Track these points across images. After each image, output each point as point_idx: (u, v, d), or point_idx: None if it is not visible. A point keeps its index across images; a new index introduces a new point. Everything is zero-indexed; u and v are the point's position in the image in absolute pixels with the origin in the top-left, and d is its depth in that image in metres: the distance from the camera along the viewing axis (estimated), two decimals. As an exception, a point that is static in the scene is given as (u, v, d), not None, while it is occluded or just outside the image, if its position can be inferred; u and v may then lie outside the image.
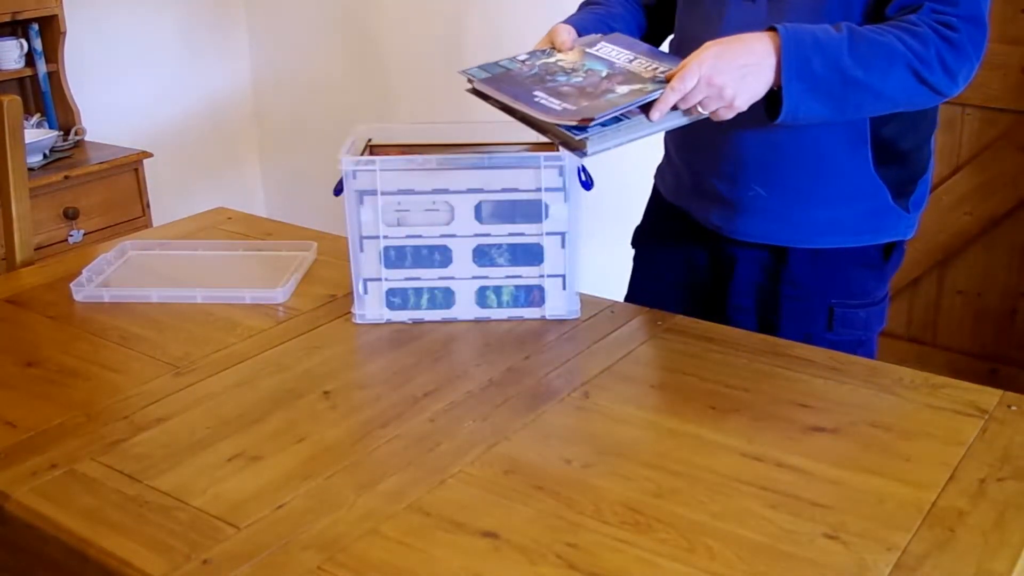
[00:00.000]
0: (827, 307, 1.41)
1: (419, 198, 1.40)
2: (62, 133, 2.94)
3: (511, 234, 1.41)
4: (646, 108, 1.21)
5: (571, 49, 1.35)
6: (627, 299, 1.59)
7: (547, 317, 1.44)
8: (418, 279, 1.43)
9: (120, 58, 3.23)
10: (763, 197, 1.38)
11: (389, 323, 1.45)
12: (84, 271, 1.60)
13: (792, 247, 1.40)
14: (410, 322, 1.45)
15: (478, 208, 1.40)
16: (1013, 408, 1.16)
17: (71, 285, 1.57)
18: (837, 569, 0.91)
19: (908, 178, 1.39)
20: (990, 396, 1.19)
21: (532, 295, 1.43)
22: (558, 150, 1.42)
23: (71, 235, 2.76)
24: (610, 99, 1.22)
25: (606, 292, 1.59)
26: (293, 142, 3.63)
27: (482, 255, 1.42)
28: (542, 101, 1.24)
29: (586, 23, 1.43)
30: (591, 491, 1.03)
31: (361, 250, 1.43)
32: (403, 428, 1.17)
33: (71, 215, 2.76)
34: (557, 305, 1.43)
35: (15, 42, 2.84)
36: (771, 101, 1.22)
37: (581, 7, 1.52)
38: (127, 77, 3.26)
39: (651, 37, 1.49)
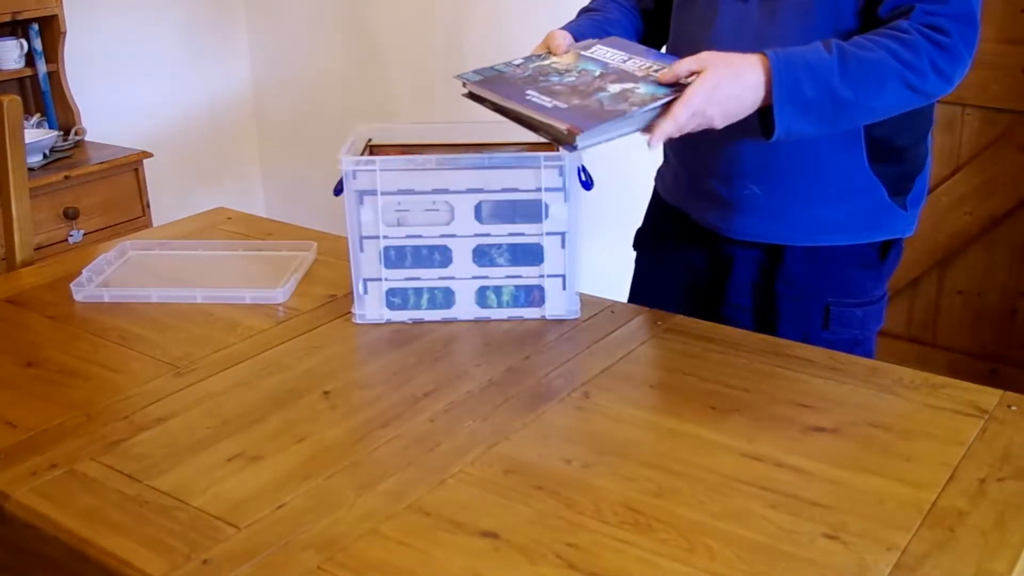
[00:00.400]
0: (824, 306, 1.41)
1: (419, 198, 1.40)
2: (62, 133, 2.94)
3: (511, 234, 1.41)
4: (635, 103, 1.22)
5: (566, 52, 1.36)
6: (629, 302, 1.59)
7: (547, 317, 1.44)
8: (418, 279, 1.43)
9: (120, 58, 3.23)
10: (759, 196, 1.38)
11: (389, 323, 1.45)
12: (84, 271, 1.60)
13: (789, 246, 1.40)
14: (410, 322, 1.45)
15: (478, 208, 1.40)
16: (1013, 408, 1.16)
17: (71, 285, 1.57)
18: (837, 569, 0.91)
19: (905, 175, 1.39)
20: (990, 396, 1.19)
21: (532, 295, 1.43)
22: (557, 150, 1.42)
23: (71, 235, 2.76)
24: (601, 98, 1.23)
25: (606, 292, 1.59)
26: (293, 142, 3.63)
27: (482, 255, 1.42)
28: (534, 99, 1.24)
29: (583, 29, 1.43)
30: (591, 491, 1.03)
31: (361, 250, 1.43)
32: (403, 428, 1.17)
33: (71, 215, 2.76)
34: (557, 305, 1.43)
35: (15, 42, 2.84)
36: (764, 118, 1.23)
37: (579, 14, 1.53)
38: (127, 77, 3.26)
39: (648, 41, 1.49)
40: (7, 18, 2.77)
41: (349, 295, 1.49)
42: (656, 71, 1.25)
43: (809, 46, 1.22)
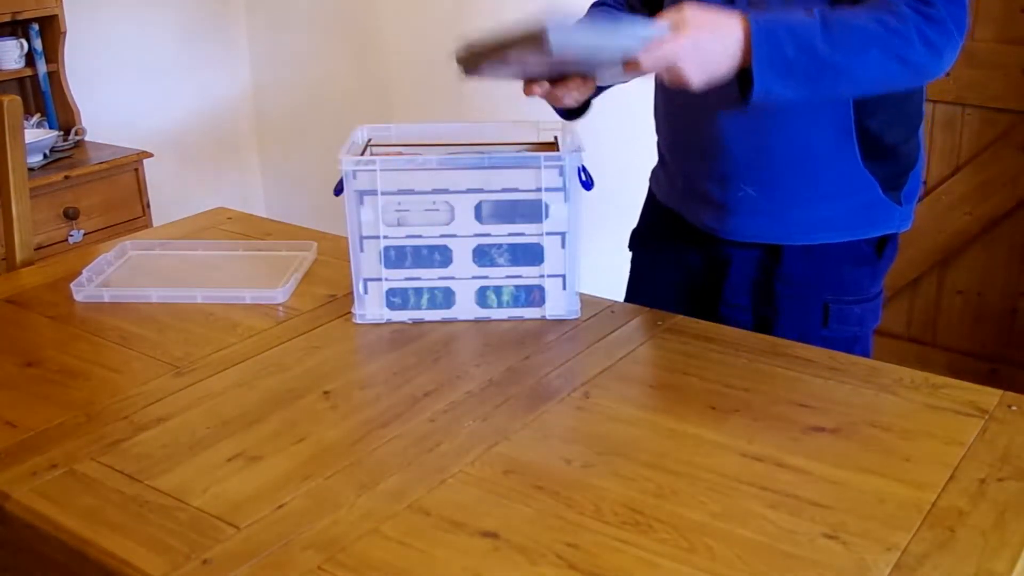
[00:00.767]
0: (822, 303, 1.41)
1: (419, 198, 1.40)
2: (62, 133, 2.94)
3: (511, 234, 1.41)
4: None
5: None
6: (625, 302, 1.59)
7: (547, 317, 1.44)
8: (418, 279, 1.43)
9: (120, 58, 3.23)
10: (754, 197, 1.38)
11: (389, 323, 1.45)
12: (84, 271, 1.60)
13: (787, 245, 1.40)
14: (410, 322, 1.45)
15: (478, 208, 1.40)
16: (1013, 408, 1.16)
17: (71, 285, 1.57)
18: (837, 569, 0.91)
19: (898, 171, 1.39)
20: (990, 396, 1.19)
21: (532, 295, 1.43)
22: (558, 150, 1.42)
23: (71, 235, 2.76)
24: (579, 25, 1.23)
25: (606, 292, 1.59)
26: (293, 142, 3.63)
27: (482, 255, 1.42)
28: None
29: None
30: (591, 491, 1.03)
31: (361, 250, 1.43)
32: (403, 428, 1.17)
33: (71, 215, 2.76)
34: (557, 305, 1.43)
35: (15, 42, 2.84)
36: (742, 82, 1.19)
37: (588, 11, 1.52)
38: (127, 77, 3.26)
39: None
40: (7, 18, 2.77)
41: (349, 295, 1.49)
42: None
43: (790, 11, 1.19)
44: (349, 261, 1.44)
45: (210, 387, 1.28)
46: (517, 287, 1.43)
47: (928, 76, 1.25)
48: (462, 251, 1.42)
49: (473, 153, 1.48)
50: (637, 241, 1.63)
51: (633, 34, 1.17)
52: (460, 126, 1.59)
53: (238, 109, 3.64)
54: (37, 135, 2.77)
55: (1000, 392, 1.19)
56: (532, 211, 1.39)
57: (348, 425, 1.18)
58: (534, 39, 1.15)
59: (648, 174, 1.65)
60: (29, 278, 1.67)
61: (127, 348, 1.40)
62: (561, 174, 1.37)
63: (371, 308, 1.45)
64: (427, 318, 1.45)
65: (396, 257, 1.42)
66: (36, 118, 2.93)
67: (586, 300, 1.47)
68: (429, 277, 1.43)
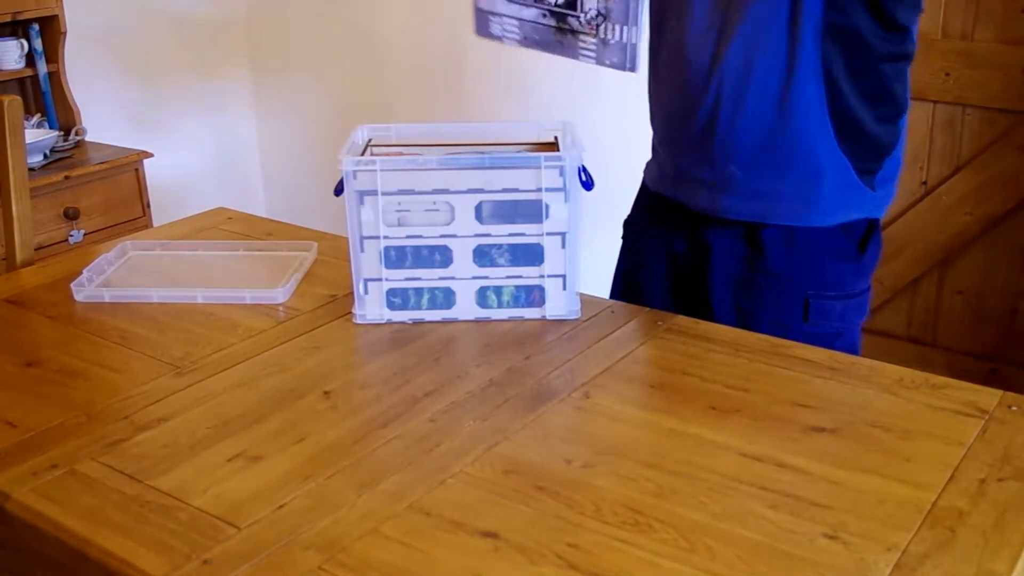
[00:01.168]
0: (803, 298, 1.44)
1: (419, 198, 1.40)
2: (62, 133, 2.94)
3: (511, 234, 1.41)
4: None
5: None
6: (612, 286, 1.65)
7: (547, 317, 1.44)
8: (418, 279, 1.43)
9: (120, 58, 3.23)
10: (739, 177, 1.42)
11: (389, 323, 1.45)
12: (84, 271, 1.60)
13: (768, 229, 1.44)
14: (410, 322, 1.45)
15: (478, 208, 1.40)
16: (1013, 408, 1.16)
17: (71, 285, 1.57)
18: (837, 569, 0.91)
19: (871, 155, 1.42)
20: (990, 396, 1.19)
21: (532, 295, 1.43)
22: (558, 150, 1.42)
23: (71, 235, 2.77)
24: None
25: (606, 292, 1.59)
26: (293, 142, 3.63)
27: (482, 255, 1.42)
28: None
29: None
30: (591, 491, 1.04)
31: (361, 250, 1.43)
32: (403, 428, 1.17)
33: (71, 215, 2.76)
34: (557, 305, 1.43)
35: (15, 42, 2.84)
36: None
37: None
38: (127, 77, 3.26)
39: None
40: (7, 18, 2.77)
41: (349, 295, 1.49)
42: None
43: None
44: (349, 261, 1.44)
45: (210, 387, 1.28)
46: (517, 287, 1.43)
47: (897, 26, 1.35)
48: (462, 251, 1.42)
49: (473, 153, 1.48)
50: (627, 227, 1.69)
51: None
52: (460, 126, 1.59)
53: (238, 108, 3.64)
54: (37, 135, 2.77)
55: (1000, 392, 1.19)
56: (532, 211, 1.39)
57: (348, 425, 1.18)
58: None
59: (647, 174, 1.66)
60: (29, 278, 1.67)
61: (127, 348, 1.40)
62: (561, 174, 1.37)
63: (371, 308, 1.45)
64: (427, 318, 1.45)
65: (396, 257, 1.42)
66: (36, 118, 2.93)
67: (586, 300, 1.47)
68: (429, 277, 1.43)
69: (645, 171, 1.65)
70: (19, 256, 1.86)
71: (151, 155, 2.95)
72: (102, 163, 2.83)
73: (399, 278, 1.43)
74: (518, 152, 1.52)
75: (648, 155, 1.64)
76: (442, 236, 1.41)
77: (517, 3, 1.37)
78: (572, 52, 1.37)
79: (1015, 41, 2.52)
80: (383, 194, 1.39)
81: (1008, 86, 2.54)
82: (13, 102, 1.82)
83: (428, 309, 1.44)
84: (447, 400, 1.23)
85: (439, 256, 1.42)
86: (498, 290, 1.43)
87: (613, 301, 1.50)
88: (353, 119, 1.71)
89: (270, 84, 3.62)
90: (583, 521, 0.99)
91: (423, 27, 3.18)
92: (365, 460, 1.11)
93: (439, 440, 1.14)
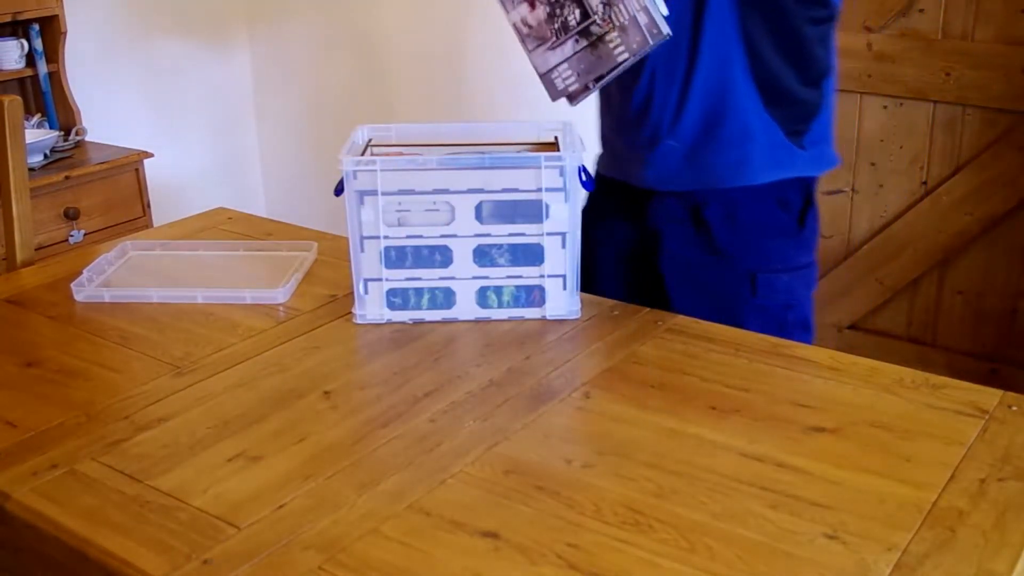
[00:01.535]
0: (750, 274, 1.51)
1: (419, 198, 1.40)
2: (63, 133, 2.94)
3: (512, 234, 1.41)
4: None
5: None
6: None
7: (548, 317, 1.44)
8: (419, 279, 1.43)
9: (120, 58, 3.23)
10: (677, 148, 1.49)
11: (389, 323, 1.45)
12: (85, 271, 1.60)
13: (710, 205, 1.50)
14: (410, 322, 1.45)
15: (478, 208, 1.40)
16: (1013, 408, 1.16)
17: (72, 285, 1.57)
18: (837, 569, 0.91)
19: (797, 117, 1.49)
20: (990, 396, 1.19)
21: (533, 295, 1.43)
22: (558, 150, 1.42)
23: (72, 235, 2.77)
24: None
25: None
26: (293, 142, 3.63)
27: (483, 255, 1.42)
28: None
29: None
30: (591, 491, 1.04)
31: (362, 250, 1.43)
32: (404, 428, 1.17)
33: (72, 215, 2.76)
34: (558, 305, 1.43)
35: (16, 42, 2.84)
36: None
37: None
38: (127, 77, 3.26)
39: None
40: (8, 18, 2.77)
41: (350, 295, 1.49)
42: None
43: None
44: (349, 261, 1.44)
45: (210, 387, 1.28)
46: (518, 287, 1.43)
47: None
48: (462, 251, 1.42)
49: (473, 153, 1.48)
50: (583, 217, 1.70)
51: None
52: (460, 126, 1.59)
53: (238, 109, 3.64)
54: (37, 135, 2.77)
55: (1000, 392, 1.19)
56: (532, 211, 1.39)
57: (348, 425, 1.18)
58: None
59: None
60: (29, 278, 1.67)
61: (127, 348, 1.40)
62: (561, 174, 1.37)
63: (371, 308, 1.45)
64: (427, 318, 1.45)
65: (396, 257, 1.42)
66: (36, 118, 2.93)
67: (587, 300, 1.47)
68: (429, 277, 1.43)
69: (597, 162, 1.70)
70: (19, 256, 1.86)
71: (151, 155, 2.95)
72: (102, 163, 2.83)
73: (399, 278, 1.43)
74: (518, 152, 1.52)
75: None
76: (442, 236, 1.41)
77: (552, 48, 1.35)
78: (611, 60, 1.33)
79: (1015, 41, 2.52)
80: (383, 194, 1.39)
81: (1008, 86, 2.54)
82: (13, 102, 1.82)
83: (428, 309, 1.44)
84: (447, 400, 1.23)
85: (439, 256, 1.42)
86: (498, 290, 1.43)
87: (614, 301, 1.50)
88: (353, 119, 1.71)
89: (270, 84, 3.62)
90: (583, 521, 0.99)
91: (423, 27, 3.18)
92: (365, 460, 1.11)
93: (439, 440, 1.14)
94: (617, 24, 1.29)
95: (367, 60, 3.34)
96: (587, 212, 1.69)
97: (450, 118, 3.10)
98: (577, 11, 1.31)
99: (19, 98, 1.85)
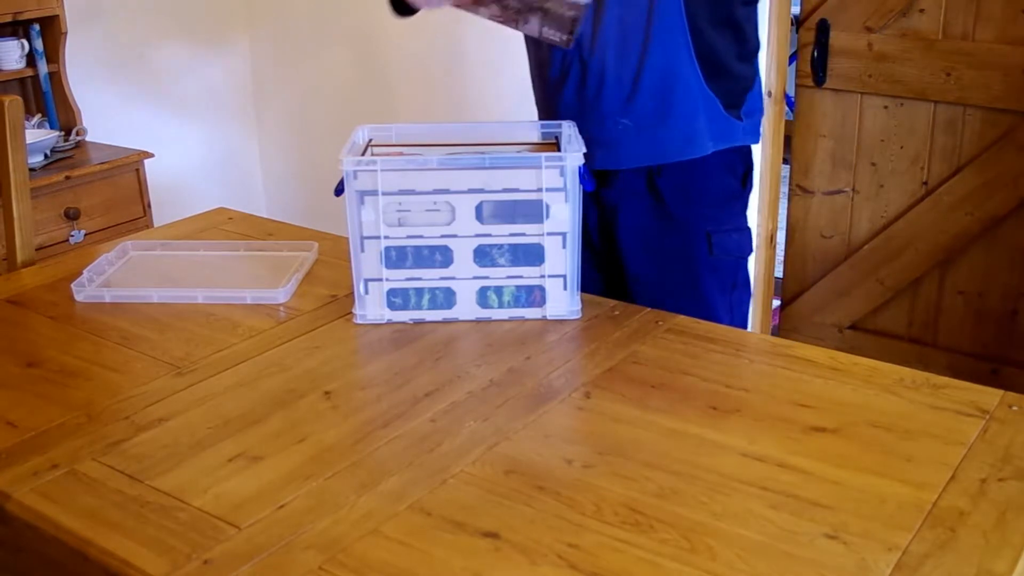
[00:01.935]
0: (706, 235, 1.61)
1: (420, 198, 1.40)
2: (63, 133, 2.94)
3: (512, 234, 1.41)
4: None
5: None
6: None
7: (548, 317, 1.44)
8: (419, 279, 1.43)
9: (120, 58, 3.23)
10: (629, 127, 1.56)
11: (390, 323, 1.45)
12: (85, 271, 1.60)
13: (662, 174, 1.58)
14: (411, 322, 1.45)
15: (479, 208, 1.40)
16: (1014, 408, 1.16)
17: (72, 285, 1.57)
18: (838, 569, 0.91)
19: (735, 90, 1.59)
20: (991, 396, 1.19)
21: (533, 295, 1.43)
22: (558, 150, 1.42)
23: (72, 235, 2.77)
24: None
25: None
26: (293, 142, 3.63)
27: (483, 255, 1.42)
28: None
29: None
30: (592, 491, 1.04)
31: (362, 250, 1.43)
32: (404, 428, 1.17)
33: (72, 215, 2.76)
34: (558, 305, 1.43)
35: (16, 42, 2.84)
36: None
37: None
38: (127, 77, 3.26)
39: None
40: (8, 18, 2.77)
41: (350, 295, 1.49)
42: None
43: None
44: (350, 261, 1.44)
45: (211, 387, 1.28)
46: (518, 287, 1.43)
47: None
48: (463, 251, 1.42)
49: (474, 153, 1.48)
50: None
51: None
52: (460, 126, 1.59)
53: (239, 109, 3.64)
54: (38, 135, 2.76)
55: (1001, 392, 1.19)
56: (533, 211, 1.39)
57: (349, 425, 1.18)
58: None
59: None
60: (30, 278, 1.67)
61: (128, 348, 1.40)
62: (562, 174, 1.37)
63: (372, 308, 1.45)
64: (428, 318, 1.45)
65: (397, 257, 1.42)
66: (37, 118, 2.93)
67: (587, 300, 1.47)
68: (430, 277, 1.43)
69: None
70: (20, 256, 1.87)
71: (152, 155, 2.95)
72: (103, 163, 2.83)
73: (400, 278, 1.43)
74: (518, 152, 1.52)
75: None
76: (442, 236, 1.41)
77: (527, 22, 1.38)
78: (570, 11, 1.38)
79: (1016, 41, 2.52)
80: (384, 194, 1.39)
81: (1009, 86, 2.54)
82: (14, 102, 1.82)
83: (429, 309, 1.44)
84: (448, 400, 1.23)
85: (439, 256, 1.42)
86: (499, 290, 1.43)
87: (615, 301, 1.50)
88: (353, 119, 1.71)
89: (271, 84, 3.62)
90: (584, 521, 0.99)
91: (423, 27, 3.18)
92: (366, 460, 1.11)
93: (440, 440, 1.14)
94: None
95: (367, 60, 3.34)
96: None
97: (450, 118, 3.10)
98: None
99: (19, 98, 1.85)
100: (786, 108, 2.82)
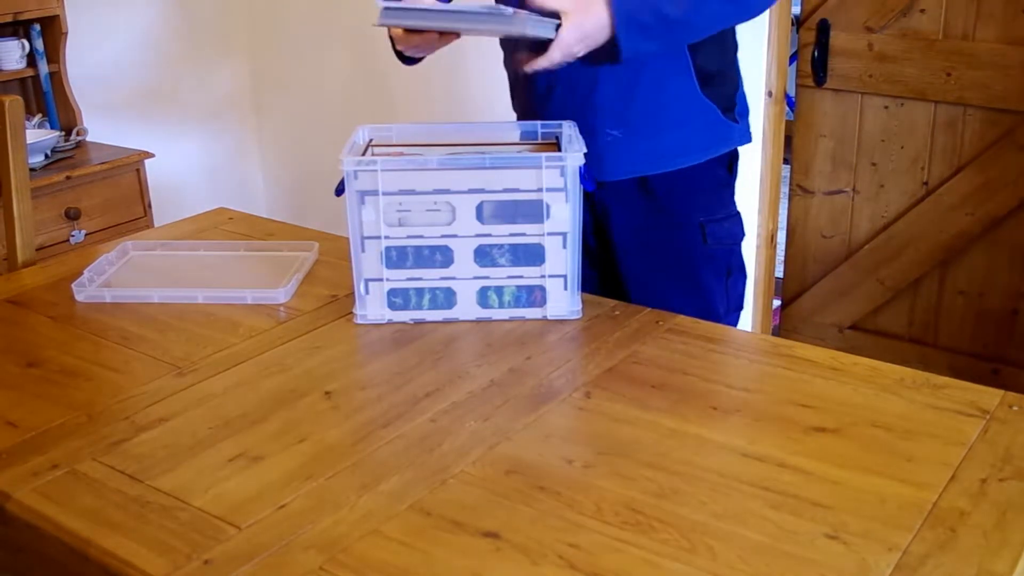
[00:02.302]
0: (698, 224, 1.60)
1: (420, 198, 1.40)
2: (63, 133, 2.94)
3: (512, 234, 1.41)
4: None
5: None
6: None
7: (548, 317, 1.44)
8: (419, 279, 1.43)
9: (120, 58, 3.23)
10: (619, 138, 1.55)
11: (390, 323, 1.45)
12: (85, 271, 1.61)
13: (653, 175, 1.57)
14: (411, 322, 1.45)
15: (479, 208, 1.40)
16: (1015, 408, 1.16)
17: (72, 285, 1.57)
18: (838, 569, 0.91)
19: (727, 93, 1.60)
20: (991, 396, 1.19)
21: (533, 295, 1.43)
22: (559, 150, 1.42)
23: (72, 235, 2.77)
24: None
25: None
26: (293, 142, 3.63)
27: (483, 255, 1.42)
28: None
29: None
30: (592, 491, 1.04)
31: (362, 250, 1.43)
32: (404, 428, 1.17)
33: (73, 215, 2.76)
34: (558, 305, 1.43)
35: (17, 42, 2.84)
36: (612, 49, 1.41)
37: None
38: (127, 77, 3.26)
39: None
40: (8, 18, 2.77)
41: (350, 295, 1.49)
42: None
43: None
44: (350, 261, 1.44)
45: (211, 387, 1.28)
46: (518, 287, 1.43)
47: (758, 10, 1.51)
48: (463, 251, 1.42)
49: (474, 153, 1.48)
50: None
51: (533, 22, 1.35)
52: (461, 126, 1.59)
53: (239, 109, 3.64)
54: (38, 135, 2.76)
55: (1001, 392, 1.19)
56: (533, 211, 1.39)
57: (349, 425, 1.18)
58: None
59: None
60: (30, 278, 1.67)
61: (128, 348, 1.40)
62: (562, 174, 1.37)
63: (372, 308, 1.45)
64: (428, 318, 1.45)
65: (397, 257, 1.42)
66: (37, 118, 2.93)
67: (587, 300, 1.47)
68: (430, 277, 1.43)
69: None
70: (20, 256, 1.87)
71: (152, 155, 2.95)
72: (103, 163, 2.83)
73: (400, 278, 1.43)
74: (519, 152, 1.52)
75: None
76: (443, 236, 1.41)
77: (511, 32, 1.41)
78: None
79: (1016, 41, 2.52)
80: (384, 194, 1.39)
81: (1009, 86, 2.54)
82: (14, 102, 1.82)
83: (429, 309, 1.44)
84: (448, 400, 1.23)
85: (440, 256, 1.42)
86: (499, 290, 1.43)
87: (615, 301, 1.50)
88: (353, 119, 1.71)
89: (271, 84, 3.62)
90: (584, 521, 0.99)
91: (424, 27, 3.18)
92: (366, 460, 1.11)
93: (440, 440, 1.14)
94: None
95: (367, 60, 3.34)
96: None
97: (450, 118, 3.10)
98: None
99: (20, 98, 1.85)
100: (786, 108, 2.82)
